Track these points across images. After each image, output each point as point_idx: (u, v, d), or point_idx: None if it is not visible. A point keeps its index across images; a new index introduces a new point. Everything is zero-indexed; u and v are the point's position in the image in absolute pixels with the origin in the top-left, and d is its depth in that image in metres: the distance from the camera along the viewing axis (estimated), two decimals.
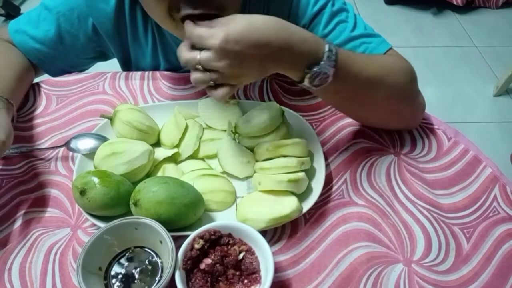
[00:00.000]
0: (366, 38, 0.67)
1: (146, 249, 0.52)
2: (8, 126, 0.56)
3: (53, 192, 0.62)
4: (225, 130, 0.66)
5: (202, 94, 0.73)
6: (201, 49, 0.48)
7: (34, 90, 0.76)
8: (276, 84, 0.76)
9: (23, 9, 2.29)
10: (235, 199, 0.60)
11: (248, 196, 0.59)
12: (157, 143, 0.67)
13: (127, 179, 0.57)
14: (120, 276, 0.50)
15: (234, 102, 0.69)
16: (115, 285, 0.49)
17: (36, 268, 0.54)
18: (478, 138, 1.71)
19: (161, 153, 0.63)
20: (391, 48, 0.67)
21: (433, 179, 0.64)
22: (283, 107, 0.66)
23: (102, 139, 0.64)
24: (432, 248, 0.56)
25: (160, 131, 0.67)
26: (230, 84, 0.51)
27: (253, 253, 0.51)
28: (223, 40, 0.45)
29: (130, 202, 0.53)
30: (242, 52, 0.46)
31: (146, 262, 0.51)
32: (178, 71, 0.77)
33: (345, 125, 0.70)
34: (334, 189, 0.62)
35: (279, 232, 0.57)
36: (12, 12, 2.20)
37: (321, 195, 0.58)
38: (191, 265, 0.49)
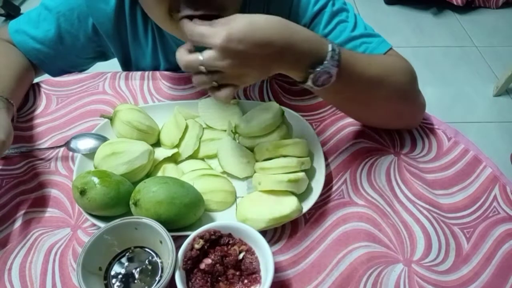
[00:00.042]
0: (366, 38, 0.67)
1: (146, 249, 0.52)
2: (8, 126, 0.56)
3: (53, 192, 0.62)
4: (225, 130, 0.66)
5: (202, 94, 0.74)
6: (201, 51, 0.48)
7: (34, 90, 0.76)
8: (276, 84, 0.76)
9: (23, 9, 2.29)
10: (235, 199, 0.60)
11: (248, 196, 0.59)
12: (157, 143, 0.67)
13: (127, 179, 0.57)
14: (120, 276, 0.50)
15: (234, 102, 0.69)
16: (115, 285, 0.49)
17: (36, 268, 0.54)
18: (478, 138, 1.71)
19: (161, 153, 0.63)
20: (391, 48, 0.67)
21: (433, 179, 0.64)
22: (283, 107, 0.66)
23: (102, 139, 0.64)
24: (432, 248, 0.56)
25: (160, 131, 0.67)
26: (233, 84, 0.50)
27: (253, 253, 0.51)
28: (225, 39, 0.45)
29: (130, 202, 0.53)
30: (245, 51, 0.46)
31: (146, 262, 0.51)
32: (178, 71, 0.77)
33: (345, 125, 0.70)
34: (334, 189, 0.62)
35: (279, 232, 0.57)
36: (12, 12, 2.20)
37: (321, 195, 0.58)
38: (191, 265, 0.49)
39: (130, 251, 0.52)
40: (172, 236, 0.49)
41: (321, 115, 0.72)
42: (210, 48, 0.47)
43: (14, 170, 0.64)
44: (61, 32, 0.74)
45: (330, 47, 0.50)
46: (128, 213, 0.54)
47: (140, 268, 0.50)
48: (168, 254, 0.48)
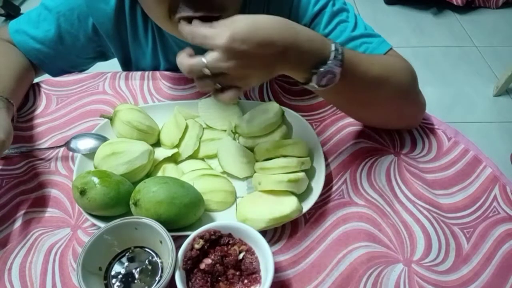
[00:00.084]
0: (367, 38, 0.67)
1: (146, 249, 0.52)
2: (8, 126, 0.56)
3: (53, 192, 0.62)
4: (225, 130, 0.66)
5: (202, 94, 0.74)
6: (202, 53, 0.47)
7: (34, 90, 0.76)
8: (276, 84, 0.76)
9: (23, 9, 2.29)
10: (235, 199, 0.60)
11: (248, 196, 0.59)
12: (157, 143, 0.67)
13: (127, 179, 0.57)
14: (120, 276, 0.50)
15: (234, 102, 0.69)
16: (115, 285, 0.49)
17: (36, 268, 0.54)
18: (478, 138, 1.71)
19: (161, 153, 0.63)
20: (391, 49, 0.67)
21: (433, 179, 0.64)
22: (283, 107, 0.66)
23: (102, 139, 0.64)
24: (432, 248, 0.56)
25: (160, 131, 0.67)
26: (237, 86, 0.49)
27: (253, 253, 0.51)
28: (229, 39, 0.44)
29: (130, 202, 0.53)
30: (249, 51, 0.45)
31: (146, 262, 0.51)
32: (178, 71, 0.77)
33: (345, 125, 0.70)
34: (334, 189, 0.62)
35: (279, 232, 0.57)
36: (12, 12, 2.20)
37: (321, 195, 0.58)
38: (191, 265, 0.49)
39: (130, 251, 0.52)
40: (172, 236, 0.49)
41: (321, 115, 0.72)
42: (212, 51, 0.46)
43: (14, 170, 0.64)
44: (61, 32, 0.74)
45: (333, 47, 0.49)
46: (128, 213, 0.54)
47: (140, 268, 0.50)
48: (168, 254, 0.48)
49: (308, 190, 0.59)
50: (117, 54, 0.81)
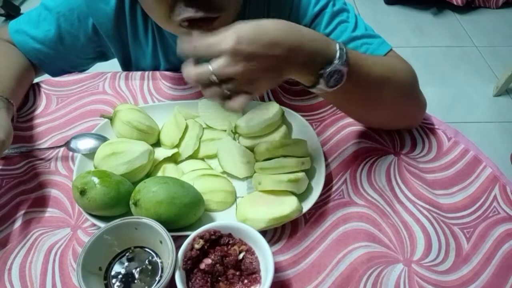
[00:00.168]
0: (367, 39, 0.67)
1: (146, 249, 0.52)
2: (8, 126, 0.56)
3: (53, 192, 0.62)
4: (225, 130, 0.66)
5: (202, 94, 0.73)
6: (207, 61, 0.46)
7: (34, 90, 0.76)
8: None
9: (23, 9, 2.29)
10: (235, 199, 0.60)
11: (248, 196, 0.59)
12: (157, 143, 0.67)
13: (127, 179, 0.57)
14: (120, 276, 0.50)
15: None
16: (115, 285, 0.49)
17: (36, 268, 0.54)
18: (478, 138, 1.71)
19: (161, 153, 0.63)
20: (391, 49, 0.67)
21: (433, 179, 0.64)
22: (283, 107, 0.66)
23: (102, 139, 0.64)
24: (432, 248, 0.56)
25: (160, 131, 0.67)
26: (246, 92, 0.48)
27: (253, 253, 0.51)
28: (236, 41, 0.44)
29: (130, 202, 0.53)
30: (256, 52, 0.45)
31: (146, 262, 0.51)
32: (178, 71, 0.77)
33: (345, 125, 0.70)
34: (334, 189, 0.62)
35: (279, 232, 0.57)
36: (12, 12, 2.20)
37: (321, 195, 0.58)
38: (191, 265, 0.49)
39: (130, 251, 0.52)
40: (172, 236, 0.49)
41: (321, 115, 0.72)
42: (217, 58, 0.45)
43: (14, 170, 0.64)
44: (61, 32, 0.74)
45: (337, 47, 0.49)
46: (128, 213, 0.54)
47: (140, 268, 0.50)
48: (168, 254, 0.48)
49: (308, 190, 0.59)
50: (117, 54, 0.81)
